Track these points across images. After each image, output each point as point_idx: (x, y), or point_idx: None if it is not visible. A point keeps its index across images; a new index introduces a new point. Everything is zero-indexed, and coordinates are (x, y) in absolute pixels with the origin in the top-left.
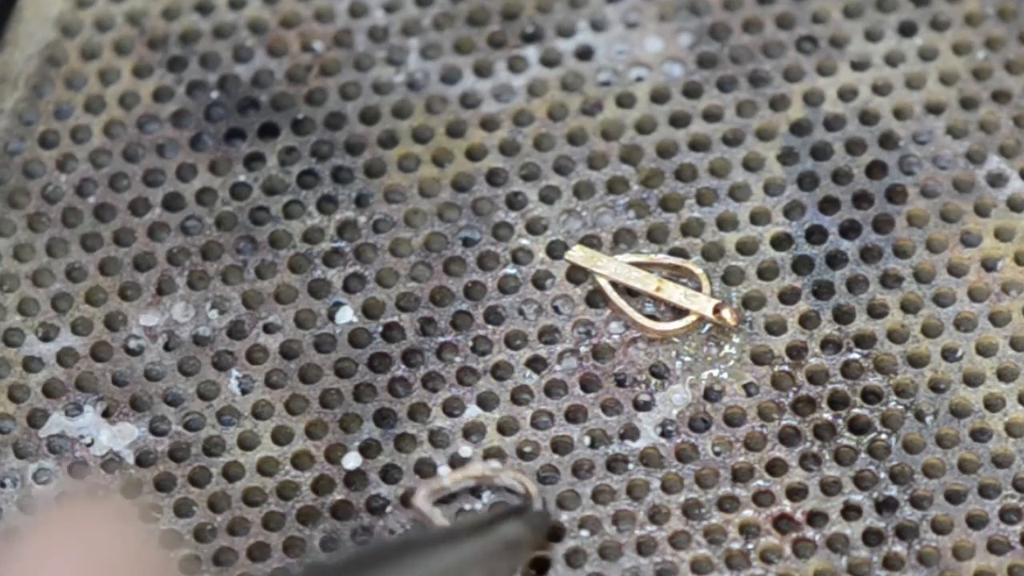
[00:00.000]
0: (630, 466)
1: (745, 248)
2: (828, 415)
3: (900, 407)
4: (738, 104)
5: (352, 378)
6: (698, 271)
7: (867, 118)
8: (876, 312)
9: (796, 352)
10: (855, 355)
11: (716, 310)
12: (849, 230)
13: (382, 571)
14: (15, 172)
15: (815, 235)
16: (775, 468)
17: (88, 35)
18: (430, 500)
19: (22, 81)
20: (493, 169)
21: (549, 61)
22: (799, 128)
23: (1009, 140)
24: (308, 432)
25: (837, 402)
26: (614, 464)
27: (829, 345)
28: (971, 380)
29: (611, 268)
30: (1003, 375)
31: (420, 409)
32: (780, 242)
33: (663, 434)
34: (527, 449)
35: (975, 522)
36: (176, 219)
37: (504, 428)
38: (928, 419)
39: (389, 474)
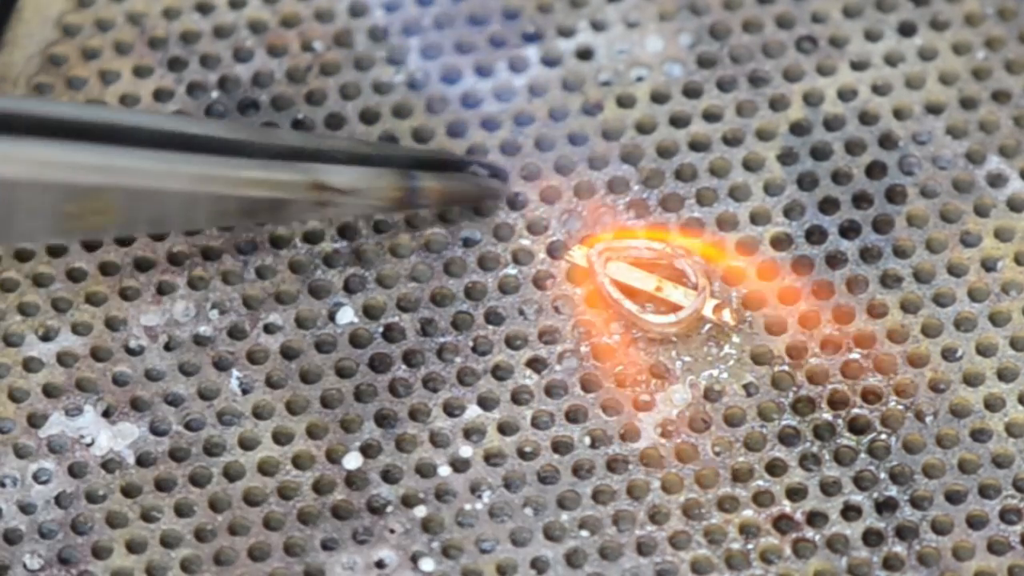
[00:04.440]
0: (630, 466)
1: (745, 248)
2: (828, 415)
3: (900, 407)
4: (738, 104)
5: (353, 378)
6: (689, 265)
7: (867, 118)
8: (876, 312)
9: (796, 352)
10: (855, 355)
11: (716, 310)
12: (849, 230)
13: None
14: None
15: (815, 235)
16: (775, 468)
17: (88, 35)
18: (602, 258)
19: (23, 81)
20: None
21: (550, 61)
22: (799, 128)
23: (1009, 140)
24: (309, 432)
25: (837, 402)
26: (614, 464)
27: (829, 345)
28: (971, 380)
29: (611, 268)
30: (1003, 375)
31: (421, 409)
32: (780, 242)
33: (663, 434)
34: (527, 449)
35: (975, 522)
36: None
37: (504, 428)
38: (928, 419)
39: (390, 474)
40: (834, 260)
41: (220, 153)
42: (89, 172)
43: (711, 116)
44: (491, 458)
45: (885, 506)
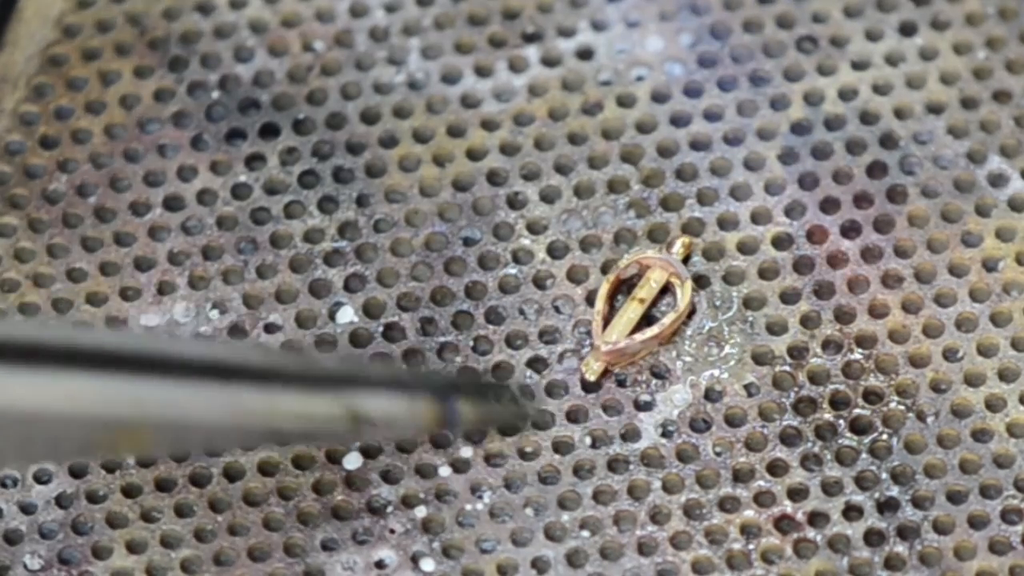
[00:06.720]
0: (631, 466)
1: (746, 248)
2: (829, 415)
3: (901, 407)
4: (738, 104)
5: None
6: (655, 256)
7: (867, 118)
8: (877, 312)
9: (797, 352)
10: (856, 355)
11: (668, 248)
12: (850, 230)
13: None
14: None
15: (816, 235)
16: (776, 468)
17: (89, 36)
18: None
19: (23, 81)
20: (493, 169)
21: (550, 61)
22: (799, 128)
23: (1010, 140)
24: None
25: (838, 402)
26: (615, 464)
27: (830, 345)
28: (972, 380)
29: (609, 339)
30: (1004, 375)
31: None
32: (781, 242)
33: (664, 434)
34: (528, 449)
35: (976, 522)
36: (177, 220)
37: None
38: (929, 419)
39: (390, 474)
40: (835, 260)
41: (255, 380)
42: (119, 405)
43: (711, 116)
44: (491, 458)
45: (886, 506)
